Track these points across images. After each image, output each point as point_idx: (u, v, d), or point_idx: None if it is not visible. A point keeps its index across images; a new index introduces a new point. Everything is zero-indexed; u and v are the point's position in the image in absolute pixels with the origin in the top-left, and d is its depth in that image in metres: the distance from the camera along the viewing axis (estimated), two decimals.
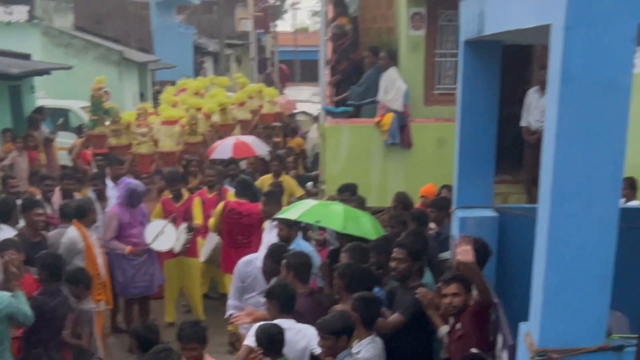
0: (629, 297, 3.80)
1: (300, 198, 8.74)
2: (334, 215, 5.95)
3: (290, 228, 6.20)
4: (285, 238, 6.18)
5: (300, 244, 6.21)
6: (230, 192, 8.24)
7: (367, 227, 5.94)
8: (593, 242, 2.93)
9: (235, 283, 5.97)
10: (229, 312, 5.98)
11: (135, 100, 19.59)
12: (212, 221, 7.63)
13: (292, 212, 6.04)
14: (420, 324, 4.81)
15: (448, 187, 7.03)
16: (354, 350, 4.36)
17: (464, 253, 4.18)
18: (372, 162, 9.24)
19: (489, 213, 5.49)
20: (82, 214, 6.79)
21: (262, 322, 4.49)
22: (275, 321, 4.51)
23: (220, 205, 7.52)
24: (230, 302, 6.05)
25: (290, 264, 5.20)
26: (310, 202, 6.28)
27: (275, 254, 5.46)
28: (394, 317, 4.84)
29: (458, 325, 4.45)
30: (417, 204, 7.66)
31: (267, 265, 5.48)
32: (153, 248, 7.59)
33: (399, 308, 4.90)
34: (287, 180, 9.53)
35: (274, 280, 5.11)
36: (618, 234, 2.96)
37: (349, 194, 7.33)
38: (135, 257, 7.50)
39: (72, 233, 6.70)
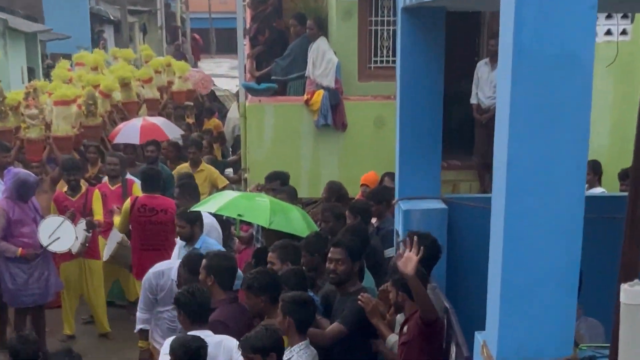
0: (602, 299, 3.70)
1: (225, 189, 8.76)
2: (259, 209, 5.95)
3: (193, 225, 6.17)
4: (188, 237, 6.19)
5: (207, 242, 6.18)
6: (137, 184, 8.19)
7: (298, 223, 5.99)
8: (556, 239, 2.88)
9: (144, 294, 5.92)
10: (138, 327, 5.97)
11: (23, 77, 19.29)
12: (118, 220, 7.59)
13: (209, 204, 6.05)
14: (363, 334, 4.85)
15: (391, 175, 7.05)
16: (285, 357, 4.37)
17: (406, 262, 4.21)
18: (301, 146, 9.22)
19: (437, 205, 5.60)
20: None
21: (178, 335, 4.51)
22: (189, 333, 4.51)
23: (128, 202, 7.44)
24: (140, 314, 6.00)
25: (210, 267, 5.17)
26: (231, 194, 6.29)
27: (191, 264, 5.41)
28: (334, 328, 4.85)
29: (405, 329, 4.52)
30: (358, 194, 7.70)
31: (183, 277, 5.46)
32: (49, 249, 7.47)
33: (337, 316, 4.92)
34: (208, 170, 9.51)
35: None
36: (584, 226, 2.93)
37: (278, 183, 7.33)
38: (27, 260, 7.34)
39: None
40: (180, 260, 5.77)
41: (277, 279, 4.92)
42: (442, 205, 5.60)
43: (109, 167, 8.47)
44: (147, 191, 7.47)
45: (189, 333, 4.51)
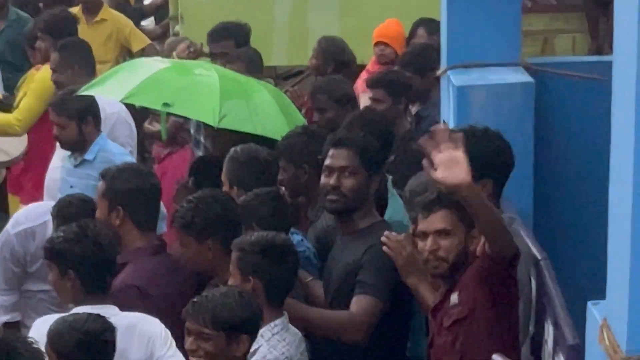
0: None
1: (145, 53, 8.40)
2: (201, 94, 5.76)
3: (81, 122, 6.02)
4: (73, 142, 6.07)
5: (105, 148, 6.08)
6: None
7: (269, 115, 5.81)
8: None
9: (3, 266, 5.70)
10: (1, 319, 5.78)
11: None
12: (28, 104, 7.42)
13: (113, 85, 5.86)
14: (397, 304, 4.55)
15: (429, 25, 6.89)
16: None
17: (449, 165, 3.75)
18: None
19: (515, 76, 5.28)
20: None
21: (62, 315, 4.18)
22: (78, 310, 4.18)
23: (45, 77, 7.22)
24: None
25: (115, 194, 4.87)
26: (153, 64, 6.07)
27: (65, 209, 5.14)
28: (363, 304, 4.49)
29: (454, 298, 4.09)
30: (370, 59, 7.43)
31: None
32: None
33: (338, 273, 4.66)
34: (114, 19, 8.87)
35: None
36: None
37: (232, 43, 7.05)
38: None
39: None
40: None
41: (233, 210, 4.66)
42: (525, 77, 5.23)
43: None
44: None
45: (78, 310, 4.21)
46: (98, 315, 4.01)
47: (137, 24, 9.57)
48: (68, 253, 4.38)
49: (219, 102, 5.59)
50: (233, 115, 5.63)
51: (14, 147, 7.61)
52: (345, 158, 4.66)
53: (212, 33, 7.23)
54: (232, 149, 5.22)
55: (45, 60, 7.48)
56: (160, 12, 10.62)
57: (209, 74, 5.90)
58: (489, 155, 4.30)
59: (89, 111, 6.05)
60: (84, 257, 4.35)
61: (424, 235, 4.14)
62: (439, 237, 4.11)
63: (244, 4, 8.39)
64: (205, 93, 5.73)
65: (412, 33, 7.37)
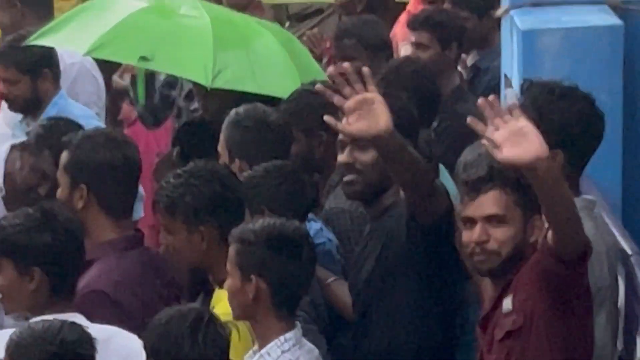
0: None
1: None
2: (189, 42, 5.70)
3: (35, 77, 6.16)
4: (26, 102, 6.18)
5: (66, 108, 6.08)
6: None
7: (276, 68, 5.74)
8: None
9: None
10: None
11: None
12: None
13: (74, 30, 5.78)
14: (434, 287, 4.63)
15: None
16: None
17: (516, 141, 3.58)
18: None
19: (598, 17, 5.24)
20: None
21: (24, 325, 4.00)
22: (38, 320, 3.97)
23: None
24: None
25: (80, 169, 4.72)
26: (127, 4, 5.90)
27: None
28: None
29: (507, 304, 3.94)
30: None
31: None
32: None
33: (365, 266, 4.67)
34: None
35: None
36: None
37: None
38: None
39: None
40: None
41: (235, 189, 4.54)
42: (612, 19, 5.17)
43: None
44: None
45: (43, 318, 3.97)
46: (74, 323, 3.80)
47: None
48: (31, 245, 4.22)
49: (212, 53, 5.50)
50: (230, 70, 5.54)
51: None
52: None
53: None
54: (233, 111, 5.05)
55: None
56: None
57: (197, 15, 5.73)
58: (567, 119, 4.15)
59: (45, 62, 6.08)
60: (51, 250, 4.20)
61: (471, 221, 3.96)
62: (489, 224, 3.92)
63: None
64: (194, 42, 5.64)
65: None
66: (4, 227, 4.29)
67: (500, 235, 3.91)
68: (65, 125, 5.41)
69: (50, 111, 6.01)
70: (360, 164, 4.54)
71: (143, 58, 5.56)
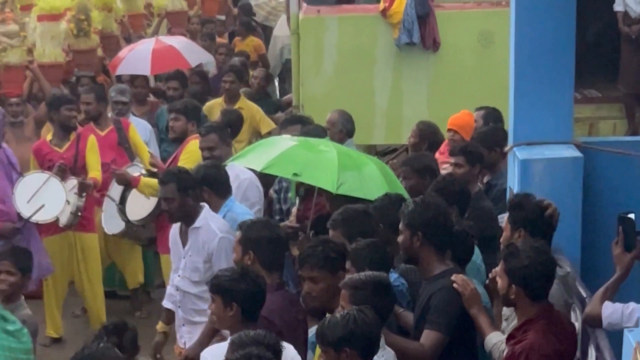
0: None
1: (270, 135, 8.97)
2: (323, 165, 6.25)
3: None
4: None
5: (233, 209, 6.49)
6: (134, 126, 8.69)
7: (376, 184, 6.21)
8: None
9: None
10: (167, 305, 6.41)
11: None
12: (150, 182, 7.71)
13: (253, 156, 6.41)
14: (462, 336, 5.04)
15: (489, 113, 7.67)
16: None
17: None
18: (374, 74, 9.58)
19: (567, 152, 5.84)
20: None
21: (225, 342, 4.61)
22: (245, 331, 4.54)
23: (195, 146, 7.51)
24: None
25: (249, 241, 5.39)
26: (284, 142, 6.54)
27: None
28: (431, 338, 4.96)
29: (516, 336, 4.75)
30: (445, 141, 7.97)
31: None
32: (33, 220, 7.66)
33: (421, 309, 5.11)
34: (249, 108, 9.76)
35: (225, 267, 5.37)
36: None
37: (298, 128, 7.56)
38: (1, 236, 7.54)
39: None
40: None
41: (346, 254, 5.21)
42: (576, 153, 5.80)
43: (85, 107, 8.67)
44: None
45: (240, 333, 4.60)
46: (269, 332, 4.44)
47: (273, 113, 10.69)
48: (234, 289, 4.82)
49: (337, 173, 6.10)
50: (348, 183, 6.09)
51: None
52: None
53: (283, 123, 8.17)
54: (339, 212, 5.69)
55: (181, 133, 8.07)
56: (284, 103, 11.96)
57: (329, 150, 6.36)
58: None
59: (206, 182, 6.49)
60: (246, 292, 4.82)
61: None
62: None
63: (351, 95, 9.40)
64: (326, 165, 6.20)
65: (480, 119, 7.92)
66: (219, 275, 4.97)
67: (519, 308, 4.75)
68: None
69: (222, 210, 6.39)
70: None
71: (295, 174, 6.35)
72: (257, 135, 9.64)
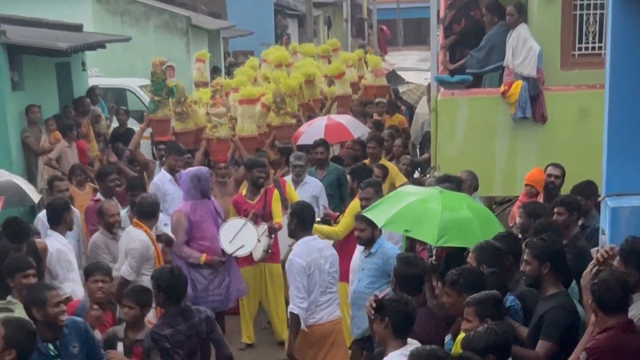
0: None
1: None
2: (428, 221, 6.65)
3: (374, 227, 7.30)
4: (367, 240, 7.46)
5: (383, 245, 7.39)
6: (290, 184, 10.02)
7: (471, 232, 6.65)
8: None
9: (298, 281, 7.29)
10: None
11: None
12: (346, 221, 8.77)
13: (378, 212, 6.96)
14: (570, 346, 5.46)
15: (558, 166, 8.67)
16: None
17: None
18: (496, 141, 10.53)
19: None
20: (153, 213, 8.21)
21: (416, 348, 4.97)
22: (398, 353, 5.16)
23: (356, 204, 8.57)
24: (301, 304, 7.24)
25: (398, 274, 6.17)
26: (406, 197, 7.00)
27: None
28: (544, 347, 5.46)
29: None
30: (522, 192, 9.07)
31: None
32: (234, 255, 8.95)
33: (536, 322, 5.63)
34: (388, 166, 10.90)
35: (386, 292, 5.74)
36: None
37: (453, 185, 8.05)
38: (209, 266, 8.83)
39: (142, 236, 7.99)
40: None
41: (483, 280, 5.77)
42: None
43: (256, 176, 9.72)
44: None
45: (399, 352, 5.19)
46: (441, 348, 4.99)
47: (413, 172, 12.33)
48: (392, 308, 5.28)
49: (438, 227, 6.47)
50: (450, 236, 6.49)
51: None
52: (526, 254, 5.80)
53: (439, 178, 8.53)
54: (483, 242, 6.21)
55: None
56: (425, 164, 13.64)
57: (435, 207, 6.67)
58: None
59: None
60: (398, 312, 5.26)
61: None
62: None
63: (477, 158, 10.31)
64: (430, 220, 6.55)
65: (554, 173, 8.82)
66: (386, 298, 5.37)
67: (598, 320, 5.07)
68: None
69: (375, 246, 7.37)
70: (526, 271, 5.78)
71: (407, 230, 6.81)
72: (392, 186, 10.44)
